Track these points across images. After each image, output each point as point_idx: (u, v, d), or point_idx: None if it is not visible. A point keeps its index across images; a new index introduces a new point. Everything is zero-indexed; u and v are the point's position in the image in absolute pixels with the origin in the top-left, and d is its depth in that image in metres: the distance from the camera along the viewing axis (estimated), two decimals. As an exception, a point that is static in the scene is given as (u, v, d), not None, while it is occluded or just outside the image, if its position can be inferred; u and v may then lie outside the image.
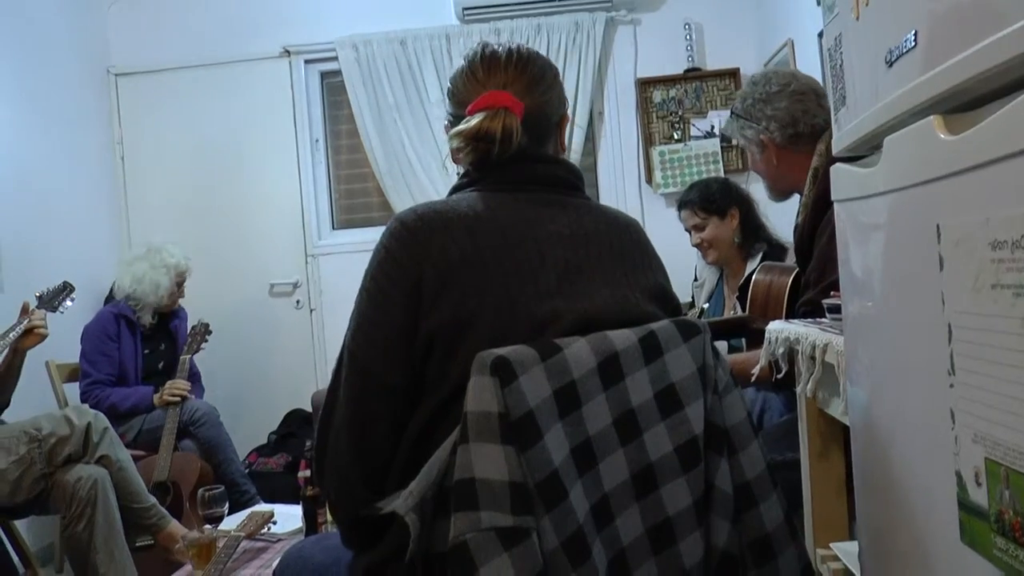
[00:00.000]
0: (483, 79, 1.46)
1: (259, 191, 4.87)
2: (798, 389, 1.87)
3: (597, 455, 1.21)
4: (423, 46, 4.71)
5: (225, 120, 4.88)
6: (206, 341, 4.08)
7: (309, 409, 4.62)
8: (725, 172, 4.65)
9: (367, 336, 1.34)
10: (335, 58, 4.78)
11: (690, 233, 3.58)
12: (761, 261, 3.35)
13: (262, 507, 3.06)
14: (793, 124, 2.45)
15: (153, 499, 3.10)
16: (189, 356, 3.97)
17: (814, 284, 2.35)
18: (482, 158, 1.41)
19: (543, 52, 4.40)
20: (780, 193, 2.67)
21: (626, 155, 4.81)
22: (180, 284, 4.16)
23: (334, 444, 1.36)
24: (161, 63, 4.89)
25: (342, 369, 1.37)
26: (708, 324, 1.49)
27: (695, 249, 3.63)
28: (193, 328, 4.10)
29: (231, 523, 2.83)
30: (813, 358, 1.71)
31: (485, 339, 1.23)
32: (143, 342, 4.10)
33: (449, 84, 1.54)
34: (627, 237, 1.47)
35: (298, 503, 3.89)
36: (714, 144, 4.67)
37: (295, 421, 4.58)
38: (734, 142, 4.63)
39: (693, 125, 4.71)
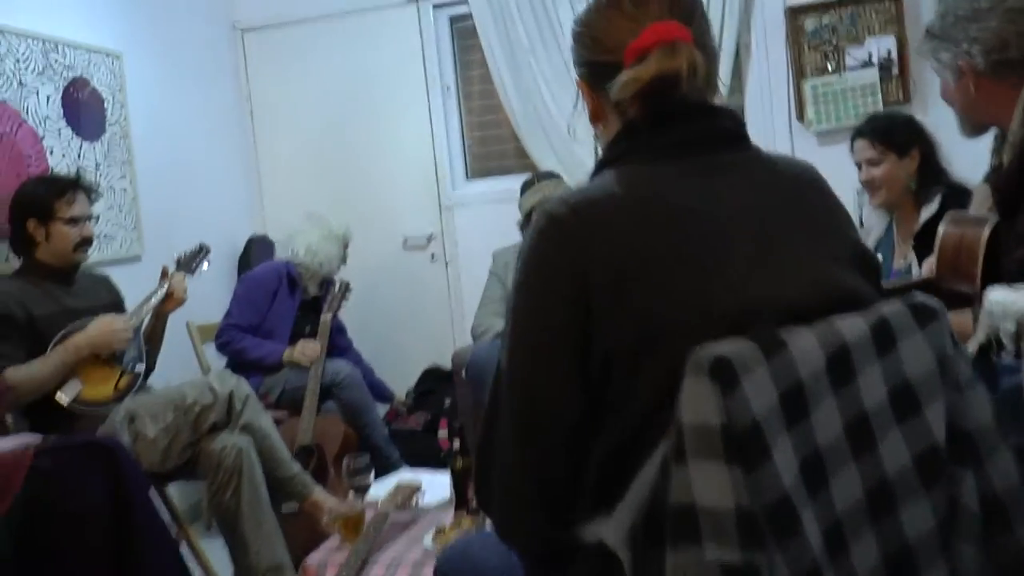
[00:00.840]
0: (632, 12, 1.22)
1: (390, 143, 4.77)
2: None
3: (828, 471, 1.01)
4: (555, -18, 4.47)
5: (354, 72, 4.78)
6: (347, 300, 4.00)
7: (448, 366, 4.54)
8: (885, 104, 4.26)
9: (531, 358, 1.16)
10: (464, 1, 4.59)
11: (859, 167, 3.22)
12: (940, 206, 3.01)
13: (408, 476, 2.97)
14: (1002, 48, 2.10)
15: (298, 466, 3.05)
16: (331, 315, 3.90)
17: None
18: (657, 111, 1.19)
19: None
20: (975, 127, 2.34)
21: (775, 90, 4.46)
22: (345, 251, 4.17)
23: (503, 480, 1.19)
24: (286, 16, 4.81)
25: (501, 394, 1.19)
26: (891, 287, 1.28)
27: (857, 189, 3.32)
28: (333, 287, 4.03)
29: (377, 491, 2.75)
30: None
31: (677, 352, 1.03)
32: (299, 306, 4.07)
33: (579, 28, 1.30)
34: (812, 193, 1.26)
35: (440, 466, 3.86)
36: (872, 74, 4.28)
37: (433, 378, 4.50)
38: (893, 72, 4.29)
39: (849, 54, 4.32)
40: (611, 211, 1.14)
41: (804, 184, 1.26)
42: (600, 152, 1.30)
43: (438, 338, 4.70)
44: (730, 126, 1.25)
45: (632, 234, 1.12)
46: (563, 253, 1.13)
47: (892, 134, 3.12)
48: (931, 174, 3.11)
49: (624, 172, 1.20)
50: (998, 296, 1.78)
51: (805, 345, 1.01)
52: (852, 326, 1.06)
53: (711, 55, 1.26)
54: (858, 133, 3.21)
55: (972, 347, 1.86)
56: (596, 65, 1.27)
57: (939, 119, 4.14)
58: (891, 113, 3.33)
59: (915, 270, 3.02)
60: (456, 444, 2.64)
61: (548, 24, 4.49)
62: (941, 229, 2.45)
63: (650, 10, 1.22)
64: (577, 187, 1.24)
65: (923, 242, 2.98)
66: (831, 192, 1.29)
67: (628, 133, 1.23)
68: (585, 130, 4.40)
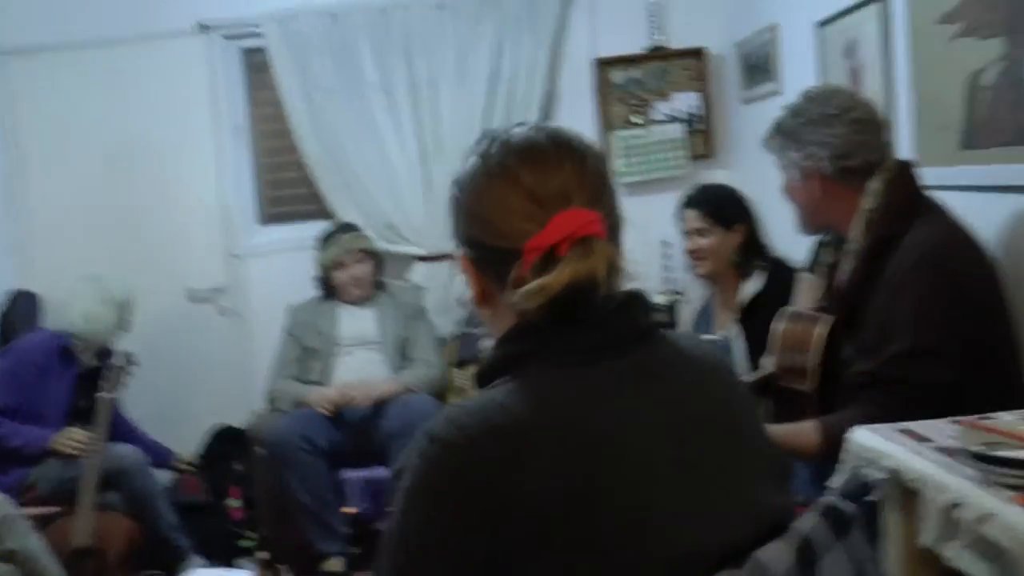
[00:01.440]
0: (533, 190, 1.05)
1: (174, 185, 4.40)
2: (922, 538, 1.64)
3: None
4: (357, 22, 4.24)
5: (135, 105, 4.35)
6: (130, 375, 3.58)
7: (237, 425, 4.26)
8: (691, 158, 4.34)
9: None
10: (258, 34, 4.30)
11: (686, 236, 3.27)
12: (767, 283, 3.10)
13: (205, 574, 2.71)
14: (848, 155, 2.13)
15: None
16: (110, 396, 3.44)
17: (873, 352, 2.05)
18: (566, 311, 1.01)
19: (491, 29, 4.16)
20: (815, 227, 2.36)
21: (584, 140, 4.44)
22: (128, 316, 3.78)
23: None
24: (57, 39, 4.30)
25: None
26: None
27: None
28: (113, 360, 3.58)
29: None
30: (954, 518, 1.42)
31: None
32: (76, 382, 3.65)
33: (462, 197, 1.13)
34: (726, 388, 1.13)
35: (233, 551, 3.61)
36: (678, 129, 4.35)
37: (221, 440, 4.21)
38: (699, 127, 4.34)
39: (655, 108, 4.39)
40: (521, 444, 0.97)
41: (721, 381, 1.14)
42: (487, 330, 1.11)
43: (230, 396, 4.38)
44: (643, 321, 1.10)
45: (547, 474, 0.95)
46: (467, 496, 0.96)
47: (722, 208, 3.21)
48: (754, 249, 3.21)
49: (528, 386, 1.02)
50: (866, 441, 1.76)
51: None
52: (778, 559, 0.98)
53: (619, 234, 1.11)
54: (689, 203, 3.27)
55: (835, 483, 1.84)
56: (485, 248, 1.09)
57: (740, 175, 4.28)
58: (720, 187, 3.37)
59: (737, 343, 3.08)
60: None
61: (349, 63, 4.26)
62: (779, 326, 2.47)
63: (554, 191, 1.05)
64: (470, 403, 1.04)
65: (748, 317, 3.04)
66: (736, 377, 1.20)
67: (527, 332, 1.05)
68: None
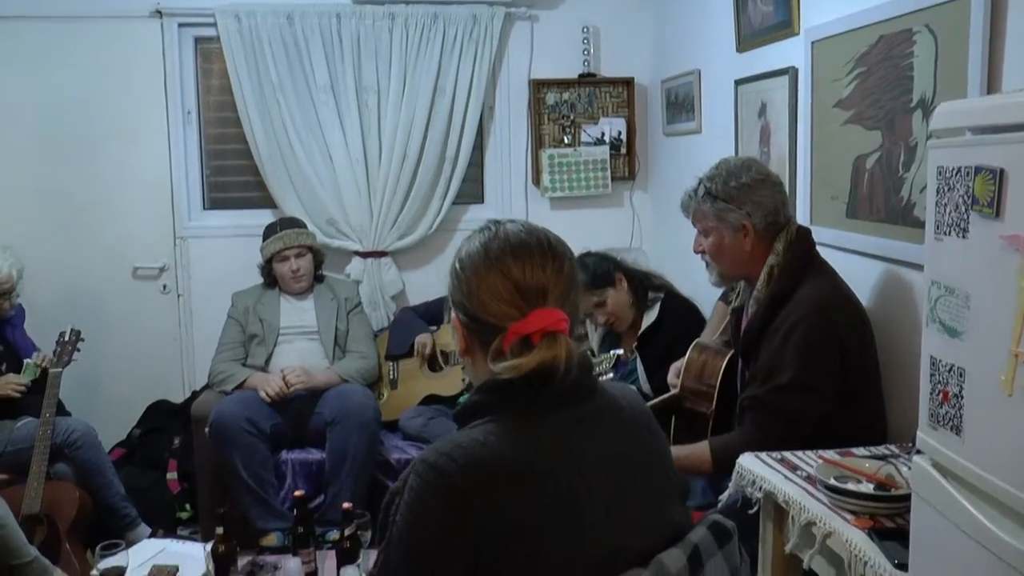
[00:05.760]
0: (520, 283, 1.36)
1: (123, 165, 4.50)
2: (788, 546, 2.07)
3: None
4: (312, 23, 4.43)
5: (86, 83, 4.43)
6: (78, 351, 3.75)
7: (176, 400, 4.44)
8: (613, 179, 4.69)
9: None
10: (212, 24, 4.43)
11: (591, 316, 3.59)
12: (660, 314, 3.46)
13: (154, 546, 2.87)
14: (774, 213, 2.53)
15: (34, 552, 2.87)
16: (59, 370, 3.61)
17: (761, 382, 2.44)
18: (532, 379, 1.33)
19: (438, 43, 4.43)
20: (731, 279, 2.73)
21: (515, 155, 4.76)
22: (5, 295, 3.76)
23: None
24: (11, 11, 4.33)
25: None
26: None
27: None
28: (61, 336, 3.75)
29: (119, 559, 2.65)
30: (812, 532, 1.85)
31: None
32: None
33: (464, 275, 1.40)
34: (646, 432, 1.47)
35: (175, 522, 3.77)
36: (603, 151, 4.68)
37: (160, 414, 4.36)
38: (622, 151, 4.66)
39: (584, 130, 4.70)
40: (497, 471, 1.27)
41: (641, 425, 1.46)
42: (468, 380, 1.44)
43: (168, 371, 4.57)
44: (586, 381, 1.41)
45: (515, 498, 1.26)
46: (456, 511, 1.25)
47: (596, 275, 3.51)
48: (637, 282, 3.58)
49: (502, 428, 1.32)
50: (750, 465, 2.16)
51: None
52: (675, 560, 1.32)
53: (577, 324, 1.42)
54: None
55: (724, 498, 2.25)
56: (476, 320, 1.38)
57: (657, 195, 4.66)
58: (579, 261, 3.57)
59: (640, 367, 3.43)
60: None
61: (299, 63, 4.45)
62: (688, 354, 2.87)
63: (535, 287, 1.35)
64: (459, 439, 1.32)
65: (644, 344, 3.40)
66: (656, 424, 1.50)
67: (501, 386, 1.35)
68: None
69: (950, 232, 1.33)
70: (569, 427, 1.36)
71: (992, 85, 2.16)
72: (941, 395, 1.35)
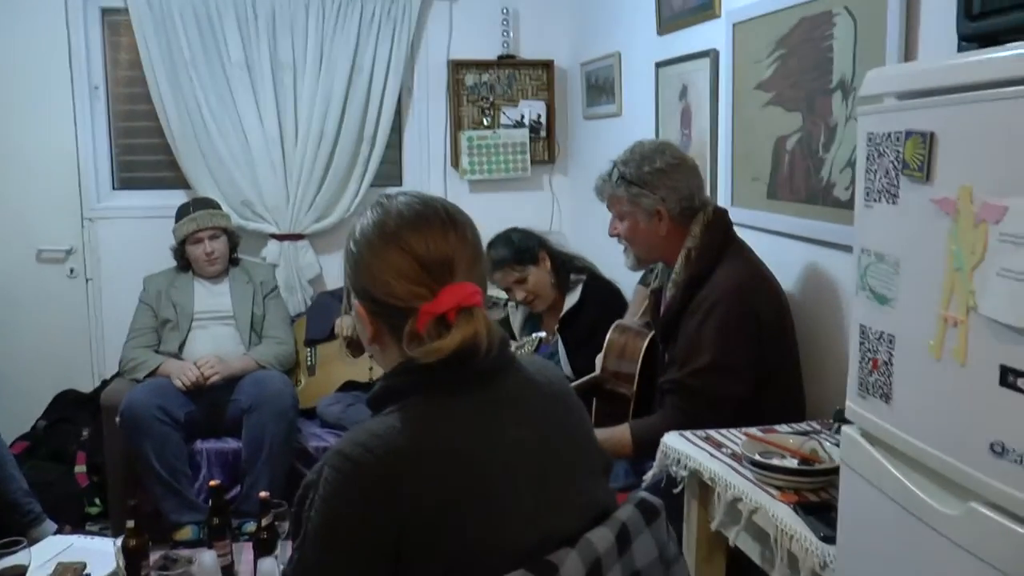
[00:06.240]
0: (421, 253, 1.28)
1: (26, 143, 4.30)
2: (713, 524, 2.07)
3: None
4: (225, -2, 4.30)
5: None
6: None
7: (84, 390, 4.28)
8: (532, 163, 4.67)
9: None
10: (121, -3, 4.25)
11: (510, 291, 3.57)
12: (581, 297, 3.45)
13: (59, 542, 2.75)
14: (689, 198, 2.53)
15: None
16: None
17: (681, 364, 2.45)
18: (452, 360, 1.27)
19: (355, 21, 4.35)
20: (647, 262, 2.73)
21: (433, 137, 4.70)
22: None
23: None
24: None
25: None
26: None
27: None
28: None
29: (19, 558, 2.55)
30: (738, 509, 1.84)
31: None
32: None
33: (360, 256, 1.32)
34: (567, 409, 1.43)
35: (83, 518, 3.62)
36: (523, 134, 4.66)
37: (68, 405, 4.20)
38: (542, 134, 4.64)
39: (503, 113, 4.67)
40: (414, 457, 1.21)
41: (561, 401, 1.41)
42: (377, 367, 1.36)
43: (75, 359, 4.40)
44: (505, 358, 1.35)
45: (436, 484, 1.20)
46: (371, 501, 1.18)
47: (520, 251, 3.51)
48: (560, 262, 3.58)
49: (417, 415, 1.26)
50: (675, 444, 2.15)
51: (571, 564, 1.22)
52: (602, 538, 1.28)
53: (486, 296, 1.36)
54: (495, 266, 3.49)
55: (648, 478, 2.24)
56: (381, 303, 1.31)
57: (577, 178, 4.66)
58: (505, 234, 3.60)
59: (561, 349, 3.41)
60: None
61: (212, 38, 4.32)
62: (609, 335, 2.86)
63: (439, 259, 1.28)
64: (372, 427, 1.26)
65: (566, 326, 3.40)
66: (577, 399, 1.46)
67: (412, 370, 1.28)
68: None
69: (880, 199, 1.33)
70: (488, 407, 1.31)
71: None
72: (871, 363, 1.35)
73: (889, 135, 1.30)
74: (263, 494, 2.49)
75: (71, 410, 4.15)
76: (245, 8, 4.32)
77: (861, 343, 1.39)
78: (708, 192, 2.84)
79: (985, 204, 1.10)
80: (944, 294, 1.17)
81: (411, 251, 1.28)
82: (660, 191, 2.53)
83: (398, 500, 1.19)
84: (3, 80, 4.27)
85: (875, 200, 1.34)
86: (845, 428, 1.46)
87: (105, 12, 4.41)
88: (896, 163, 1.28)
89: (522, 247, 3.49)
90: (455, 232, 1.31)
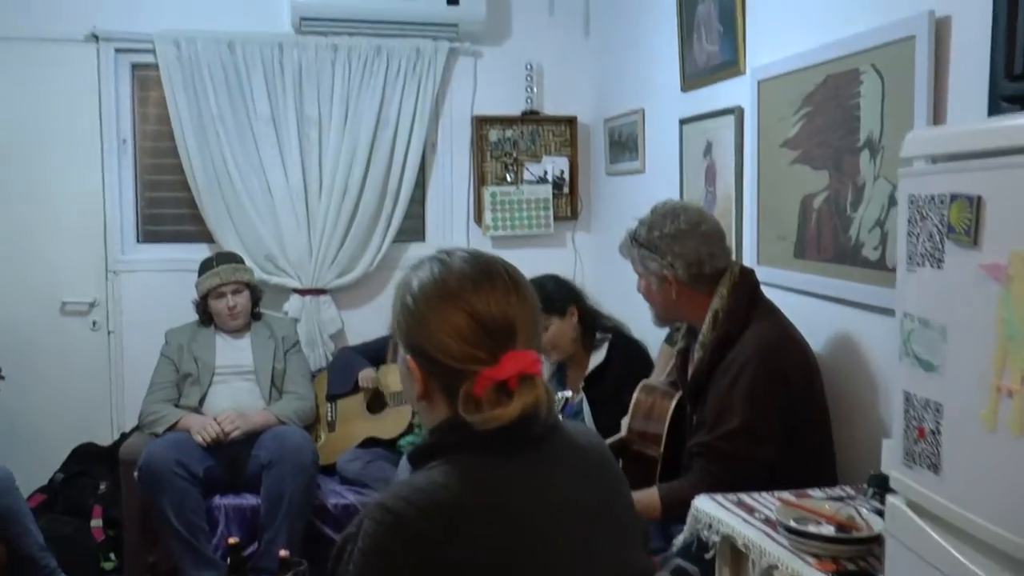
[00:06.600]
0: (485, 320, 1.24)
1: (53, 194, 4.31)
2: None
3: None
4: (253, 52, 4.34)
5: (15, 107, 4.26)
6: (-1, 389, 3.58)
7: (103, 443, 4.25)
8: (555, 219, 4.67)
9: None
10: (150, 50, 4.30)
11: None
12: (608, 355, 3.40)
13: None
14: (699, 265, 2.49)
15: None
16: None
17: (710, 427, 2.41)
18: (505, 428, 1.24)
19: (381, 76, 4.38)
20: (667, 322, 2.71)
21: (457, 192, 4.71)
22: None
23: None
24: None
25: None
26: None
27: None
28: None
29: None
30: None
31: None
32: None
33: (418, 312, 1.29)
34: (608, 472, 1.40)
35: (100, 567, 3.58)
36: (546, 190, 4.67)
37: (86, 458, 4.14)
38: (565, 190, 4.66)
39: (527, 169, 4.68)
40: (457, 516, 1.18)
41: (603, 465, 1.39)
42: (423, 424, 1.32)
43: (95, 412, 4.37)
44: (549, 420, 1.31)
45: (476, 543, 1.17)
46: (409, 555, 1.15)
47: (550, 300, 3.40)
48: (589, 320, 3.52)
49: (459, 469, 1.23)
50: (707, 508, 2.09)
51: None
52: None
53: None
54: None
55: (678, 542, 2.18)
56: (436, 363, 1.27)
57: (599, 234, 4.66)
58: (541, 280, 3.50)
59: (586, 408, 3.38)
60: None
61: (240, 92, 4.35)
62: (636, 395, 2.82)
63: (499, 321, 1.25)
64: (416, 481, 1.24)
65: (592, 385, 3.35)
66: (617, 465, 1.43)
67: (460, 426, 1.25)
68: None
69: (924, 263, 1.30)
70: (534, 467, 1.28)
71: (938, 123, 2.18)
72: (917, 431, 1.32)
73: (932, 198, 1.27)
74: (283, 552, 2.44)
75: (89, 463, 4.10)
76: (272, 64, 4.36)
77: (906, 411, 1.35)
78: (732, 251, 2.80)
79: (1038, 270, 1.07)
80: (996, 363, 1.14)
81: (472, 312, 1.25)
82: (667, 256, 2.51)
83: (437, 555, 1.16)
84: (35, 132, 4.30)
85: (919, 264, 1.32)
86: (890, 498, 1.41)
87: (135, 67, 4.46)
88: (941, 226, 1.25)
89: (553, 297, 3.43)
90: (517, 295, 1.28)
